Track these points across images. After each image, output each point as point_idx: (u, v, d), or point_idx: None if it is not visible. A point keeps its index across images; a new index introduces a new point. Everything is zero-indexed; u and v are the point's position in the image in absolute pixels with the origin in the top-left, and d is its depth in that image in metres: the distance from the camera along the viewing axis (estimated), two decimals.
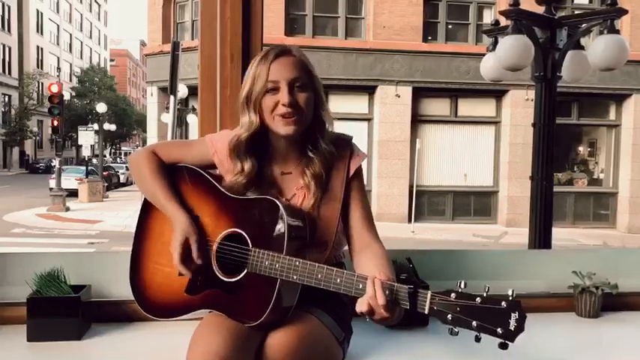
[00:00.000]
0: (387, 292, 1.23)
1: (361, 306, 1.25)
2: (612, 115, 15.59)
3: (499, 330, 1.14)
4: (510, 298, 1.15)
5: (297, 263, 1.35)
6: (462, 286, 1.20)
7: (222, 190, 1.53)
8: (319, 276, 1.33)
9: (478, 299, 1.17)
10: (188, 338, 1.37)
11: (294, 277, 1.35)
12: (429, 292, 1.21)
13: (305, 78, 1.49)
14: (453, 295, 1.19)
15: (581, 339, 1.94)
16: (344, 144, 1.58)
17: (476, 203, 15.27)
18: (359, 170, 1.58)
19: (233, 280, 1.43)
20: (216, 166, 1.62)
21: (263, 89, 1.47)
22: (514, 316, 1.13)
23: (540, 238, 4.58)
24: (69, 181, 19.40)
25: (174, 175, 1.59)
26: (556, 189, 5.24)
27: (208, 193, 1.54)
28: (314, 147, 1.52)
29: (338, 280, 1.31)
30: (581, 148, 16.53)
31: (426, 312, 1.21)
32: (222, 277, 1.45)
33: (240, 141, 1.51)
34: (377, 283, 1.24)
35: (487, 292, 1.17)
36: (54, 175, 18.38)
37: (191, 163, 1.61)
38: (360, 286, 1.28)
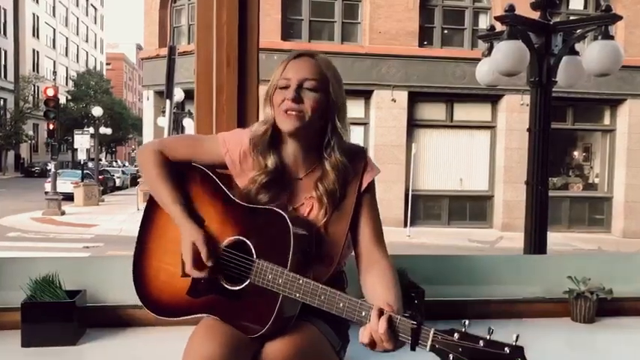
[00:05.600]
0: (389, 323, 1.22)
1: (363, 337, 1.24)
2: (607, 120, 15.66)
3: None
4: (514, 343, 1.13)
5: (301, 282, 1.33)
6: (466, 325, 1.17)
7: (230, 195, 1.50)
8: (322, 297, 1.31)
9: (481, 342, 1.14)
10: (183, 344, 1.36)
11: (297, 295, 1.33)
12: (432, 329, 1.19)
13: (319, 81, 1.47)
14: (456, 335, 1.16)
15: (576, 344, 1.95)
16: (358, 156, 1.54)
17: (471, 208, 15.29)
18: (371, 184, 1.54)
19: (235, 288, 1.42)
20: (225, 166, 1.58)
21: (275, 84, 1.48)
22: None
23: (536, 243, 4.59)
24: (64, 184, 19.30)
25: (185, 175, 1.55)
26: (551, 193, 5.24)
27: (215, 197, 1.51)
28: (328, 157, 1.50)
29: (341, 305, 1.29)
30: (576, 153, 16.57)
31: (427, 350, 1.19)
32: (224, 284, 1.43)
33: (260, 135, 1.50)
34: (381, 315, 1.23)
35: (490, 335, 1.15)
36: (49, 179, 18.30)
37: (200, 161, 1.56)
38: (363, 313, 1.26)
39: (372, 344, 1.24)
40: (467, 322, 1.18)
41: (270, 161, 1.50)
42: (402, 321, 1.22)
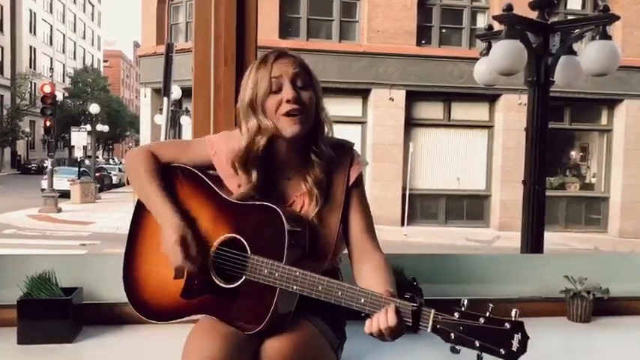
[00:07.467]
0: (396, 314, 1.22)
1: (371, 328, 1.24)
2: (604, 120, 15.69)
3: (502, 351, 1.13)
4: (513, 318, 1.15)
5: (297, 274, 1.32)
6: (465, 304, 1.19)
7: (221, 194, 1.48)
8: (320, 288, 1.30)
9: (482, 319, 1.16)
10: (181, 342, 1.35)
11: (294, 288, 1.32)
12: (433, 310, 1.20)
13: (306, 76, 1.46)
14: (456, 314, 1.18)
15: (573, 343, 1.95)
16: (345, 150, 1.54)
17: (468, 207, 15.31)
18: (360, 178, 1.54)
19: (231, 286, 1.40)
20: (213, 167, 1.56)
21: (268, 89, 1.42)
22: (517, 337, 1.13)
23: (532, 242, 4.60)
24: (61, 182, 19.22)
25: (170, 176, 1.53)
26: (548, 193, 5.26)
27: (206, 197, 1.49)
28: (315, 151, 1.48)
29: (339, 294, 1.29)
30: (573, 153, 16.61)
31: (429, 330, 1.20)
32: (219, 283, 1.42)
33: (257, 150, 1.44)
34: (390, 308, 1.23)
35: (490, 312, 1.16)
36: (46, 176, 18.28)
37: (188, 163, 1.55)
38: (362, 300, 1.26)
39: (381, 334, 1.24)
40: (465, 300, 1.19)
41: (255, 175, 1.47)
42: (402, 304, 1.23)
